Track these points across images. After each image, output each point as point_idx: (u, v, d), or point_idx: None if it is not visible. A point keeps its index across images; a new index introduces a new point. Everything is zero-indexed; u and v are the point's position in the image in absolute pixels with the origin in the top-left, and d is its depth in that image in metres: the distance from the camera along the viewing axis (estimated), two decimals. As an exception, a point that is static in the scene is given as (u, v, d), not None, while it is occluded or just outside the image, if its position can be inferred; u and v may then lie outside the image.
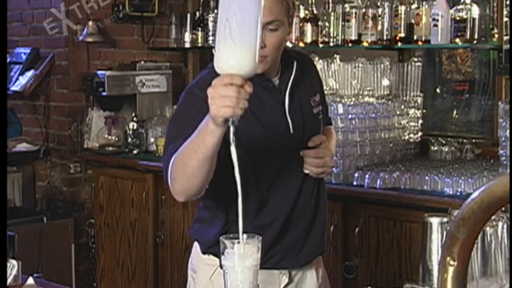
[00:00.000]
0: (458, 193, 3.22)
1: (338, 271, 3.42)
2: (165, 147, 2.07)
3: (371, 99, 3.83)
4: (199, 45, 4.75)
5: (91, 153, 4.66)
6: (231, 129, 1.68)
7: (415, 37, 3.70)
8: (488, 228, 1.63)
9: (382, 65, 4.02)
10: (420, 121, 3.98)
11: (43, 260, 4.30)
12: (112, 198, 4.49)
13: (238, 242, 1.57)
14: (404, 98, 4.00)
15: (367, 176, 3.44)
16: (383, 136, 3.74)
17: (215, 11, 4.46)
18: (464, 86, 4.15)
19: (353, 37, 3.89)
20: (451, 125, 4.16)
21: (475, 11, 3.52)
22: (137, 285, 4.38)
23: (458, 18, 3.52)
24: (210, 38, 4.56)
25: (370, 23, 3.82)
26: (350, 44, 3.92)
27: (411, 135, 3.93)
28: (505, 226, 1.65)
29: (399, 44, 3.81)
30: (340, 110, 3.56)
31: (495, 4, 3.66)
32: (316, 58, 3.97)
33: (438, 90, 4.24)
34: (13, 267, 2.10)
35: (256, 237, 1.59)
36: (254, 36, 1.65)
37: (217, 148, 1.84)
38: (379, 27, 3.83)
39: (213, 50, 1.72)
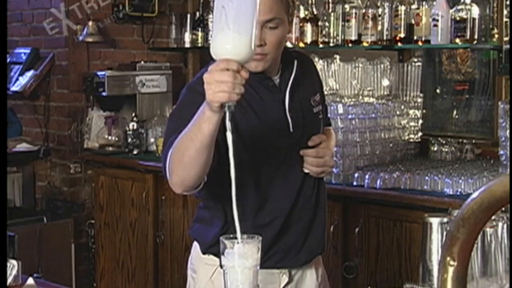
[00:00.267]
0: (458, 193, 3.22)
1: (338, 271, 3.42)
2: (164, 142, 2.07)
3: (371, 99, 3.83)
4: (199, 45, 4.75)
5: (91, 153, 4.66)
6: (227, 114, 1.68)
7: (415, 37, 3.70)
8: (488, 228, 1.63)
9: (382, 65, 4.02)
10: (420, 121, 3.99)
11: (43, 260, 4.30)
12: (112, 198, 4.50)
13: (238, 242, 1.57)
14: (404, 98, 4.00)
15: (367, 176, 3.44)
16: (383, 136, 3.74)
17: (215, 11, 4.46)
18: (464, 86, 4.15)
19: (353, 37, 3.89)
20: (451, 125, 4.16)
21: (475, 11, 3.52)
22: (137, 285, 4.39)
23: (458, 18, 3.52)
24: (210, 38, 4.55)
25: (370, 23, 3.82)
26: (350, 44, 3.92)
27: (411, 135, 3.93)
28: (505, 226, 1.65)
29: (399, 44, 3.81)
30: (340, 110, 3.56)
31: (495, 4, 3.66)
32: (316, 58, 3.97)
33: (438, 90, 4.24)
34: (13, 267, 2.10)
35: (256, 237, 1.59)
36: (250, 23, 1.66)
37: (214, 137, 1.84)
38: (379, 27, 3.83)
39: (209, 37, 1.73)
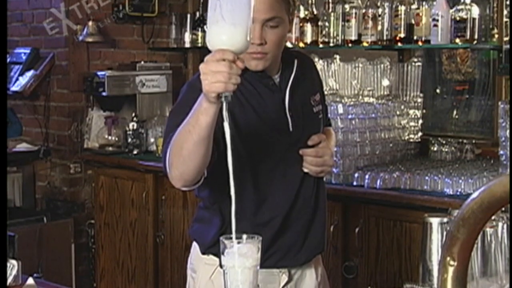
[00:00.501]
0: (458, 193, 3.22)
1: (338, 271, 3.42)
2: (165, 138, 2.07)
3: (371, 99, 3.83)
4: (199, 45, 4.75)
5: (91, 153, 4.66)
6: (224, 105, 1.68)
7: (415, 37, 3.70)
8: (488, 228, 1.63)
9: (382, 65, 4.02)
10: (420, 121, 3.99)
11: (43, 260, 4.30)
12: (112, 198, 4.50)
13: (238, 242, 1.57)
14: (404, 98, 4.00)
15: (367, 176, 3.44)
16: (383, 136, 3.74)
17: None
18: (464, 86, 4.15)
19: (353, 37, 3.89)
20: (451, 125, 4.16)
21: (475, 11, 3.52)
22: (137, 285, 4.39)
23: (458, 18, 3.52)
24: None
25: (370, 23, 3.82)
26: (350, 44, 3.92)
27: (411, 135, 3.93)
28: (505, 226, 1.65)
29: (399, 44, 3.81)
30: (340, 110, 3.56)
31: (495, 4, 3.66)
32: (316, 58, 3.97)
33: (438, 90, 4.24)
34: (13, 267, 2.10)
35: (256, 237, 1.59)
36: (245, 14, 1.66)
37: (212, 129, 1.83)
38: (379, 27, 3.83)
39: (205, 28, 1.74)
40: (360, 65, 4.03)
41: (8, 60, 4.73)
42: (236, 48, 1.67)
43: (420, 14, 3.67)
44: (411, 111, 3.94)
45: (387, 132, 3.76)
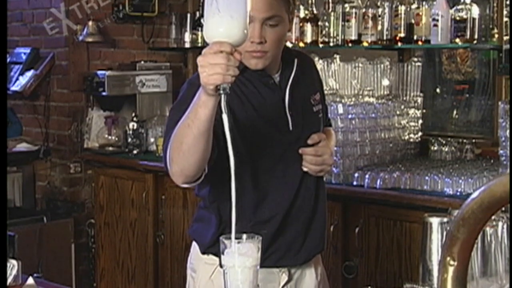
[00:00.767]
0: (458, 193, 3.22)
1: (338, 271, 3.42)
2: (165, 135, 2.07)
3: (371, 99, 3.82)
4: (199, 45, 4.75)
5: (91, 153, 4.66)
6: (223, 97, 1.68)
7: (415, 37, 3.70)
8: (488, 228, 1.63)
9: (382, 65, 4.01)
10: (420, 121, 3.98)
11: (43, 260, 4.30)
12: (112, 198, 4.50)
13: (238, 242, 1.57)
14: (404, 98, 4.00)
15: (367, 176, 3.44)
16: (383, 136, 3.74)
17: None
18: (464, 86, 4.15)
19: (353, 37, 3.89)
20: (451, 125, 4.17)
21: (475, 11, 3.52)
22: (137, 285, 4.39)
23: (458, 18, 3.52)
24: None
25: (370, 23, 3.82)
26: (350, 44, 3.92)
27: (411, 135, 3.93)
28: (505, 226, 1.65)
29: (399, 44, 3.81)
30: (340, 110, 3.56)
31: (495, 4, 3.66)
32: (316, 58, 3.97)
33: (438, 90, 4.24)
34: (13, 267, 2.10)
35: (256, 237, 1.59)
36: (242, 6, 1.67)
37: (211, 123, 1.84)
38: (379, 27, 3.83)
39: (202, 21, 1.74)
40: (360, 65, 4.03)
41: (8, 60, 4.73)
42: (234, 40, 1.68)
43: (420, 14, 3.67)
44: (411, 111, 3.94)
45: (387, 132, 3.76)
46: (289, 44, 3.84)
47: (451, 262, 1.10)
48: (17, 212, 4.45)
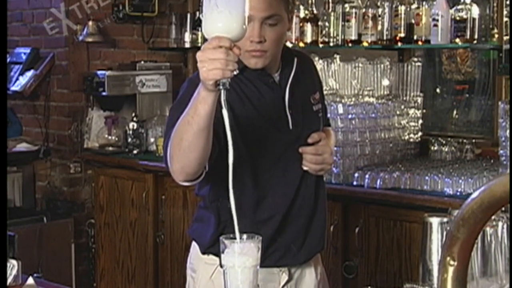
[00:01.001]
0: (458, 193, 3.22)
1: (338, 271, 3.42)
2: (165, 133, 2.07)
3: (371, 99, 3.82)
4: (199, 45, 4.75)
5: (91, 153, 4.66)
6: (222, 92, 1.69)
7: (415, 37, 3.70)
8: (488, 228, 1.63)
9: (382, 65, 4.01)
10: (420, 121, 3.98)
11: (43, 260, 4.30)
12: (112, 198, 4.50)
13: (238, 242, 1.57)
14: (404, 98, 4.00)
15: (367, 176, 3.44)
16: (383, 136, 3.74)
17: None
18: (464, 86, 4.15)
19: (353, 37, 3.89)
20: (451, 125, 4.17)
21: (475, 11, 3.52)
22: (137, 285, 4.39)
23: (458, 18, 3.52)
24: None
25: (370, 23, 3.82)
26: (350, 44, 3.92)
27: (411, 135, 3.93)
28: (505, 226, 1.65)
29: (399, 44, 3.81)
30: (340, 110, 3.56)
31: (495, 4, 3.66)
32: (316, 58, 3.97)
33: (438, 90, 4.24)
34: (13, 267, 2.10)
35: (256, 236, 1.59)
36: (241, 1, 1.68)
37: (211, 119, 1.84)
38: (379, 27, 3.83)
39: (201, 16, 1.75)
40: (360, 65, 4.03)
41: (8, 60, 4.73)
42: (233, 35, 1.69)
43: (420, 14, 3.67)
44: (411, 111, 3.94)
45: (387, 132, 3.76)
46: (289, 44, 3.84)
47: (451, 262, 1.10)
48: (17, 212, 4.45)
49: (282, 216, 2.22)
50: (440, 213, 1.71)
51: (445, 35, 3.56)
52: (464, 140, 3.88)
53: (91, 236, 4.68)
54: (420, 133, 3.98)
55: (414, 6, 3.74)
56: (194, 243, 2.31)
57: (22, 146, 4.62)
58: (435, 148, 3.90)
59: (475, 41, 3.55)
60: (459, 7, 3.53)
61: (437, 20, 3.55)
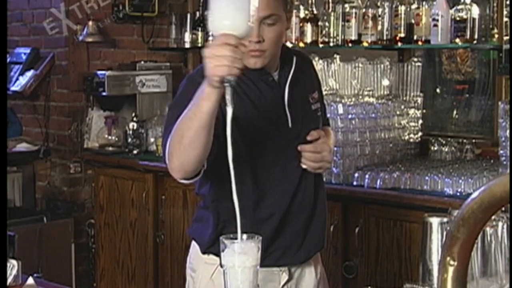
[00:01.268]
0: (458, 193, 3.22)
1: (338, 271, 3.42)
2: (165, 130, 2.07)
3: (371, 99, 3.83)
4: (199, 45, 4.75)
5: (91, 153, 4.66)
6: (229, 89, 1.69)
7: (415, 37, 3.70)
8: (488, 228, 1.63)
9: (382, 65, 4.01)
10: (420, 121, 3.98)
11: (43, 260, 4.30)
12: (112, 198, 4.49)
13: (239, 241, 1.57)
14: (404, 98, 4.00)
15: (367, 176, 3.44)
16: (383, 136, 3.74)
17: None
18: (464, 86, 4.15)
19: (353, 37, 3.89)
20: (451, 125, 4.16)
21: (475, 11, 3.52)
22: (137, 285, 4.39)
23: (458, 18, 3.52)
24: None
25: (370, 23, 3.82)
26: (350, 44, 3.92)
27: (411, 135, 3.93)
28: (505, 226, 1.65)
29: (399, 44, 3.81)
30: (340, 110, 3.56)
31: (495, 4, 3.66)
32: (316, 58, 3.97)
33: (438, 90, 4.24)
34: (13, 267, 2.10)
35: (256, 236, 1.59)
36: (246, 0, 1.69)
37: (213, 117, 1.84)
38: (379, 27, 3.83)
39: (206, 14, 1.76)
40: (360, 65, 4.03)
41: (8, 60, 4.73)
42: (239, 33, 1.69)
43: (420, 14, 3.67)
44: (411, 111, 3.94)
45: (387, 132, 3.76)
46: (289, 44, 3.84)
47: (451, 262, 1.10)
48: (17, 212, 4.45)
49: (282, 214, 2.22)
50: (440, 213, 1.71)
51: (445, 35, 3.56)
52: (464, 140, 3.88)
53: (91, 236, 4.68)
54: (420, 133, 3.98)
55: (414, 6, 3.74)
56: (194, 243, 2.31)
57: (22, 146, 4.62)
58: (435, 148, 3.90)
59: (475, 41, 3.55)
60: (459, 7, 3.53)
61: (437, 20, 3.55)
